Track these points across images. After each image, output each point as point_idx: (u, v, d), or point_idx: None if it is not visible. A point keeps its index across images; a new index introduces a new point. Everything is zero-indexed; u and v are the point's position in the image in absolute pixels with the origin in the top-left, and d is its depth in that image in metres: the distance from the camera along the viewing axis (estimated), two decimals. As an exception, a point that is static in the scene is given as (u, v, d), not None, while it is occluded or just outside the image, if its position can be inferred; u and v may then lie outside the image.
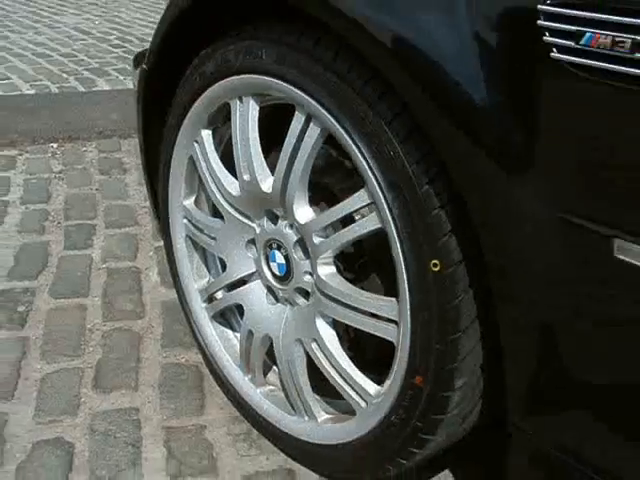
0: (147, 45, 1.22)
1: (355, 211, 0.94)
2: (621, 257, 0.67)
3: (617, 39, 0.63)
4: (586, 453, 0.77)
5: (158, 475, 1.17)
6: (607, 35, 0.64)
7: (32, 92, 3.19)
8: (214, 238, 1.20)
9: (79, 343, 1.49)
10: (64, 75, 3.48)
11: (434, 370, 0.88)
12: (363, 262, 1.04)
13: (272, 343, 1.14)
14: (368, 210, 0.92)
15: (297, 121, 0.96)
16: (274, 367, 1.23)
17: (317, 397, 1.11)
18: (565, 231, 0.70)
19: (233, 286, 1.21)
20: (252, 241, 1.15)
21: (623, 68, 0.62)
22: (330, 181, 1.06)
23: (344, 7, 0.82)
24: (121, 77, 3.44)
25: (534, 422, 0.83)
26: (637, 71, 0.61)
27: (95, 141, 2.61)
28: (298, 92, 0.94)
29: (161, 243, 1.54)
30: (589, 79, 0.64)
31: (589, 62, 0.64)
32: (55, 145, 2.57)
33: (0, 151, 2.50)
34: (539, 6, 0.66)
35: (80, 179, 2.30)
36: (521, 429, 0.84)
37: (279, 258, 1.09)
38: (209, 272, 1.29)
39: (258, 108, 1.04)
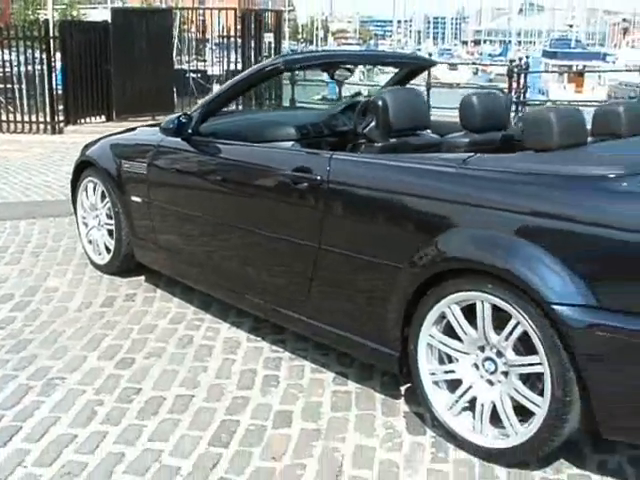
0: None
1: (113, 206, 4.57)
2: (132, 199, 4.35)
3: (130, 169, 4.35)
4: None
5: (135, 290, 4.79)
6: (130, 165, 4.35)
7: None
8: (87, 223, 4.88)
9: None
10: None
11: (127, 231, 4.52)
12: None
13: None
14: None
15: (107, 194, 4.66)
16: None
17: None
18: (145, 204, 4.35)
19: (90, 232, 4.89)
20: (95, 217, 4.83)
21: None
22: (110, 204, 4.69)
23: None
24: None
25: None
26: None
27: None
28: (110, 189, 4.58)
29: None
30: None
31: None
32: (52, 218, 6.27)
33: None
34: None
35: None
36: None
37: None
38: (86, 227, 4.94)
39: (101, 190, 4.71)
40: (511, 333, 2.58)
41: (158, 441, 2.83)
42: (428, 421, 2.95)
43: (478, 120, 3.50)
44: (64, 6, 33.90)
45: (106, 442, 2.82)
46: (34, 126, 12.02)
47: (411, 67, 4.65)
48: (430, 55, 16.90)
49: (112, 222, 4.57)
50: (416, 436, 2.89)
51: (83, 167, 4.81)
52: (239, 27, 13.64)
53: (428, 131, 3.92)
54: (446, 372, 2.83)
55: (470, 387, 2.76)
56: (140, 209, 4.29)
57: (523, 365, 2.59)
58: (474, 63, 47.29)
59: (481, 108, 3.51)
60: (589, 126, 3.26)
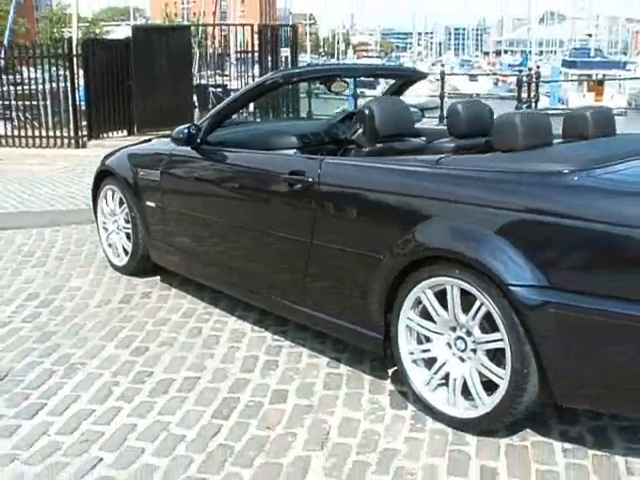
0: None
1: (130, 211, 4.95)
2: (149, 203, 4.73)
3: (145, 177, 4.73)
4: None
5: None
6: (145, 173, 4.74)
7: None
8: (106, 227, 5.26)
9: (129, 281, 5.52)
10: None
11: (143, 234, 4.89)
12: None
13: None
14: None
15: (124, 200, 5.04)
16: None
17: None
18: (159, 209, 4.71)
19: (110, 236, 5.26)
20: (114, 222, 5.21)
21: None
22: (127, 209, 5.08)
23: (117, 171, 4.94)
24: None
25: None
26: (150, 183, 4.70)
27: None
28: (127, 196, 4.96)
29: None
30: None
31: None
32: (74, 225, 6.67)
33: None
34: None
35: (88, 233, 6.38)
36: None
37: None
38: (106, 232, 5.32)
39: (119, 197, 5.10)
40: (477, 313, 2.89)
41: (167, 414, 3.17)
42: (410, 398, 3.26)
43: (463, 126, 3.82)
44: (87, 24, 34.69)
45: (121, 415, 3.17)
46: (58, 141, 12.51)
47: (404, 79, 4.99)
48: (443, 66, 17.25)
49: (129, 226, 4.94)
50: (398, 410, 3.20)
51: (103, 176, 5.19)
52: (257, 42, 14.06)
53: (423, 138, 4.26)
54: (423, 351, 3.14)
55: (444, 364, 3.07)
56: (155, 213, 4.65)
57: (488, 342, 2.90)
58: (494, 74, 47.51)
59: (466, 115, 3.84)
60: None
